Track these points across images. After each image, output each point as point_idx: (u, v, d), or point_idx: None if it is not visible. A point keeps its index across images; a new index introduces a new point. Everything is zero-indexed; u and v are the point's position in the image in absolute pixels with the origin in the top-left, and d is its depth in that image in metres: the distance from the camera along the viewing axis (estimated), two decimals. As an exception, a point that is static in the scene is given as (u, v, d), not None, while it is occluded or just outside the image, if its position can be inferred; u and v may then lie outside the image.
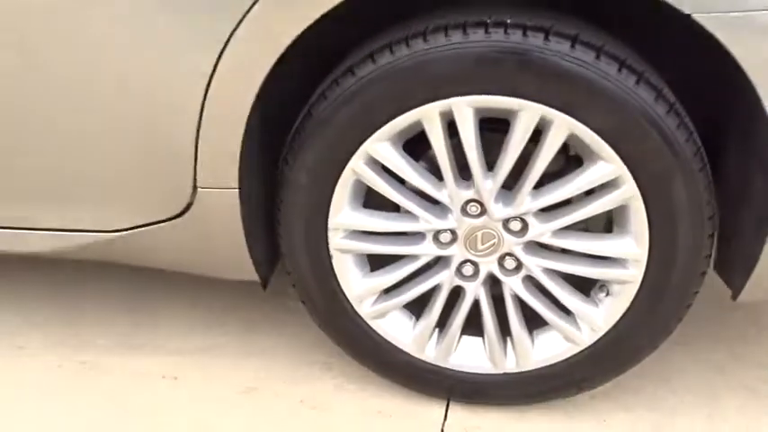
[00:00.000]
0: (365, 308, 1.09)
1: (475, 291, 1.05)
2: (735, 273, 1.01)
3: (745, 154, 0.96)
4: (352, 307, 1.09)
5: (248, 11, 0.86)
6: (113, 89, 0.96)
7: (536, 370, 1.08)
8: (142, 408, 1.17)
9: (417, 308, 1.10)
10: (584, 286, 1.05)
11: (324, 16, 0.86)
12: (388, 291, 1.09)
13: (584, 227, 1.04)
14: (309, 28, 0.87)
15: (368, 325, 1.10)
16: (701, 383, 1.20)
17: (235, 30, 0.88)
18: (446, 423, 1.13)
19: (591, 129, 0.88)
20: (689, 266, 0.96)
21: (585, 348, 1.05)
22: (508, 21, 0.86)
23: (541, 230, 0.98)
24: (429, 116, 0.91)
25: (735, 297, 1.01)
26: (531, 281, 1.03)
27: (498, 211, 0.97)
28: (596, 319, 1.02)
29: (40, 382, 1.23)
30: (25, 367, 1.27)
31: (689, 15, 0.79)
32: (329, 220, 1.02)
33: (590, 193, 0.97)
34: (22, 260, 1.34)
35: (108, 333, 1.36)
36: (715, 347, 1.29)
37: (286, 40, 0.88)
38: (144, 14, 0.90)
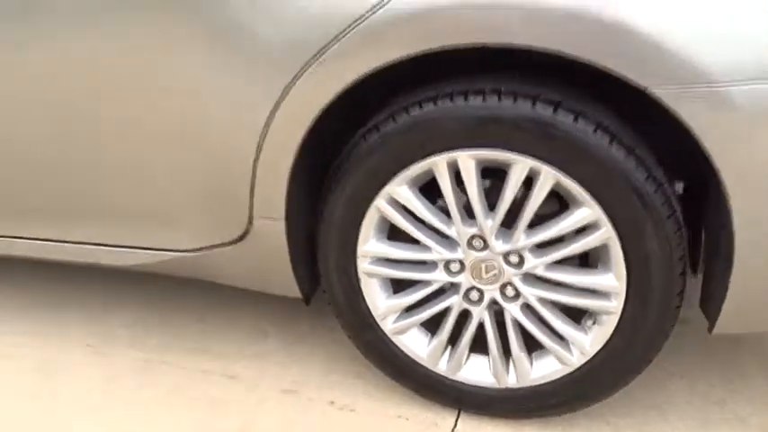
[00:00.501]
0: (388, 324, 1.28)
1: (480, 314, 1.22)
2: (710, 308, 1.14)
3: (711, 207, 1.09)
4: (377, 323, 1.28)
5: (294, 79, 1.09)
6: (190, 134, 1.21)
7: (533, 387, 1.24)
8: (201, 400, 1.40)
9: (433, 326, 1.28)
10: (576, 314, 1.20)
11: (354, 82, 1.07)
12: (408, 310, 1.28)
13: (578, 262, 1.19)
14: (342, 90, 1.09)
15: (390, 339, 1.29)
16: (697, 414, 1.31)
17: (282, 97, 1.10)
18: (455, 429, 1.29)
19: (572, 179, 1.05)
20: (663, 302, 1.10)
21: (576, 370, 1.20)
22: (501, 89, 1.04)
23: (535, 264, 1.15)
24: (438, 166, 1.11)
25: (710, 330, 1.14)
26: (528, 307, 1.20)
27: (498, 246, 1.15)
28: (585, 345, 1.17)
29: (113, 376, 1.49)
30: (101, 364, 1.54)
31: (646, 89, 0.95)
32: (358, 248, 1.22)
33: (581, 232, 1.13)
34: (121, 273, 1.60)
35: (181, 337, 1.61)
36: (714, 381, 1.39)
37: (324, 101, 1.10)
38: (214, 70, 1.14)
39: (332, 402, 1.37)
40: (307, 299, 1.37)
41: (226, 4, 1.10)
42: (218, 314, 1.69)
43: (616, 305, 1.12)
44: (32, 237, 1.51)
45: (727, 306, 1.08)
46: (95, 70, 1.21)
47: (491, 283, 1.19)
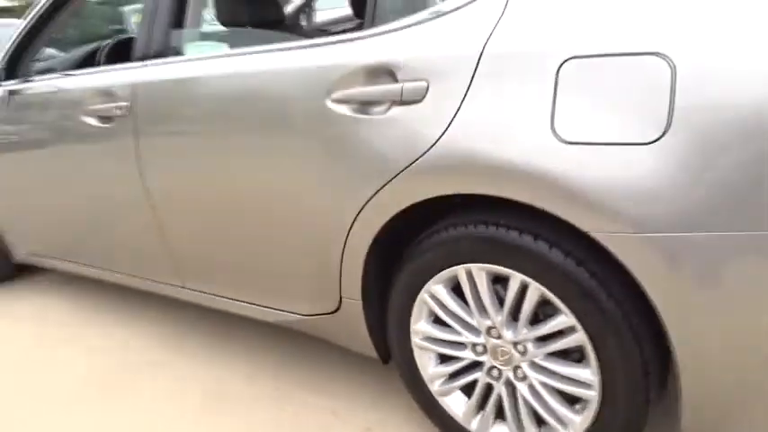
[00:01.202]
0: (435, 387, 1.67)
1: (499, 388, 1.56)
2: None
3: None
4: (426, 385, 1.68)
5: (383, 186, 1.53)
6: (305, 229, 1.73)
7: None
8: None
9: (470, 392, 1.64)
10: (573, 399, 1.48)
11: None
12: (451, 378, 1.65)
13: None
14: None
15: (436, 399, 1.68)
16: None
17: (368, 201, 1.56)
18: (483, 479, 1.62)
19: (551, 292, 1.36)
20: (631, 397, 1.35)
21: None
22: (500, 221, 1.41)
23: (536, 353, 1.46)
24: (459, 273, 1.49)
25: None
26: (534, 388, 1.51)
27: (508, 335, 1.49)
28: (576, 424, 1.45)
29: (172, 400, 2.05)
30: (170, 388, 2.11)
31: (587, 233, 1.26)
32: (411, 327, 1.64)
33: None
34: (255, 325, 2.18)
35: (257, 376, 2.14)
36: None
37: (393, 211, 1.53)
38: (324, 182, 1.64)
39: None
40: (384, 359, 1.81)
41: (341, 141, 1.59)
42: (302, 361, 2.20)
43: (594, 395, 1.39)
44: (214, 293, 2.16)
45: (684, 412, 1.30)
46: (251, 181, 1.80)
47: (506, 365, 1.53)
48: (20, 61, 2.64)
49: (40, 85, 2.47)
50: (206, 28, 2.01)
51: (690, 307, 1.20)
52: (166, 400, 2.09)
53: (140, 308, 2.76)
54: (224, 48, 1.99)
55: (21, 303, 2.99)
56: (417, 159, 1.43)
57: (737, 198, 1.11)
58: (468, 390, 1.65)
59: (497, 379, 1.56)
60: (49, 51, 3.29)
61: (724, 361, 1.21)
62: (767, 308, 1.13)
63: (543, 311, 1.44)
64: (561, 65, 1.25)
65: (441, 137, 1.39)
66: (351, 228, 1.61)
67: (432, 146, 1.41)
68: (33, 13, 2.57)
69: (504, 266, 1.41)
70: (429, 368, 1.67)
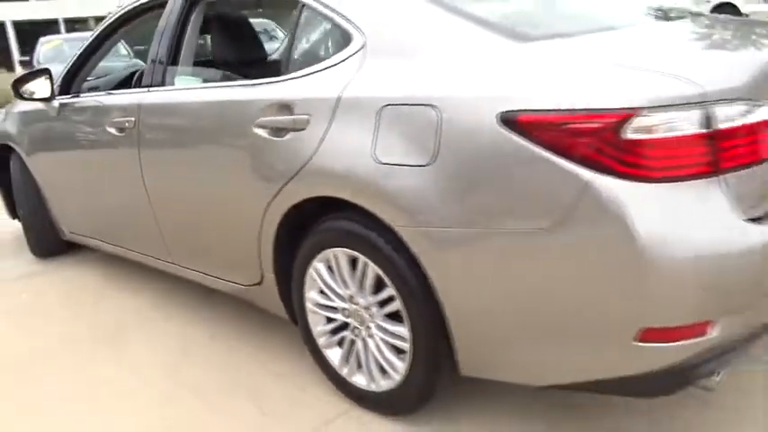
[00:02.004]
0: (320, 342, 2.23)
1: (358, 343, 2.10)
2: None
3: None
4: (316, 341, 2.24)
5: (281, 188, 2.12)
6: (237, 217, 2.34)
7: (386, 391, 2.04)
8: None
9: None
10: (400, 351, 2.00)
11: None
12: (331, 334, 2.21)
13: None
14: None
15: (322, 351, 2.23)
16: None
17: (273, 198, 2.14)
18: (360, 417, 2.16)
19: (379, 269, 1.91)
20: (431, 348, 1.86)
21: (401, 384, 1.99)
22: (351, 217, 1.96)
23: (377, 315, 2.00)
24: (329, 255, 2.06)
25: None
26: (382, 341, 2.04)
27: (361, 302, 2.04)
28: (400, 368, 1.97)
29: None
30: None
31: (390, 225, 1.80)
32: (305, 295, 2.21)
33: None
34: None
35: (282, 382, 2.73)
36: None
37: (287, 206, 2.12)
38: (248, 183, 2.24)
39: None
40: (294, 322, 2.38)
41: (259, 155, 2.18)
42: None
43: (409, 346, 1.92)
44: (189, 267, 2.80)
45: (458, 353, 1.81)
46: (204, 183, 2.43)
47: (361, 325, 2.07)
48: (73, 80, 3.39)
49: (84, 100, 3.20)
50: (187, 65, 2.65)
51: (449, 276, 1.73)
52: (148, 351, 2.74)
53: (143, 279, 3.44)
54: (196, 81, 2.64)
55: (63, 271, 3.74)
56: (299, 171, 2.02)
57: (470, 204, 1.63)
58: (341, 344, 2.20)
59: (357, 336, 2.11)
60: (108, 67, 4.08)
61: (474, 313, 1.72)
62: (499, 274, 1.63)
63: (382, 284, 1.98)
64: (381, 109, 1.81)
65: (312, 156, 1.98)
66: (263, 218, 2.21)
67: (307, 162, 1.99)
68: (86, 42, 3.32)
69: (354, 250, 1.97)
70: (317, 327, 2.23)
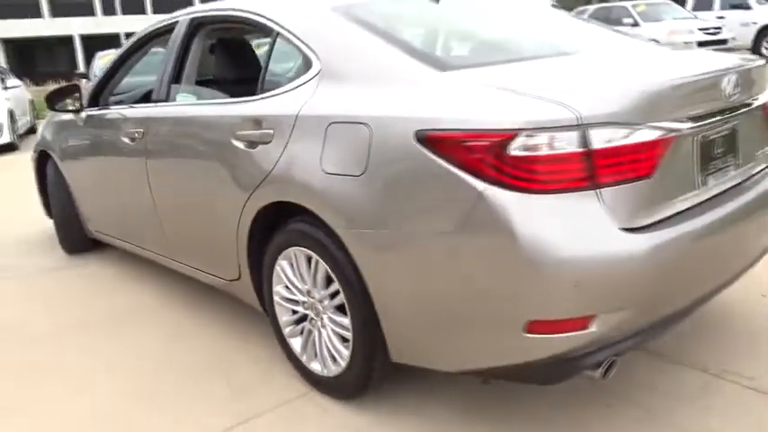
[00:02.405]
0: (286, 331, 2.50)
1: (314, 333, 2.37)
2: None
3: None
4: (282, 330, 2.52)
5: (252, 193, 2.42)
6: (217, 219, 2.65)
7: (335, 376, 2.30)
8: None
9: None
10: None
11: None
12: (294, 324, 2.48)
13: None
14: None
15: (287, 340, 2.51)
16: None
17: (245, 202, 2.44)
18: (317, 399, 2.42)
19: (327, 265, 2.17)
20: (369, 338, 2.11)
21: (346, 369, 2.24)
22: (306, 220, 2.24)
23: (328, 307, 2.27)
24: (289, 253, 2.34)
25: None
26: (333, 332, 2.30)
27: (316, 295, 2.31)
28: (345, 355, 2.23)
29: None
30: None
31: (332, 227, 2.06)
32: (273, 289, 2.49)
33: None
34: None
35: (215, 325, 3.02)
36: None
37: (256, 209, 2.41)
38: (227, 189, 2.55)
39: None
40: (266, 312, 2.66)
41: (237, 164, 2.49)
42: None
43: (351, 335, 2.17)
44: (185, 263, 3.12)
45: (389, 344, 2.06)
46: (194, 187, 2.75)
47: (316, 316, 2.34)
48: (100, 94, 3.79)
49: (107, 112, 3.59)
50: (187, 83, 2.99)
51: (377, 273, 1.98)
52: (145, 334, 3.07)
53: (151, 274, 3.80)
54: (193, 98, 2.97)
55: (87, 266, 4.14)
56: (265, 178, 2.32)
57: (391, 209, 1.89)
58: (302, 333, 2.46)
59: (314, 326, 2.38)
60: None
61: (398, 305, 1.97)
62: (414, 271, 1.88)
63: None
64: (327, 126, 2.09)
65: (274, 165, 2.27)
66: (239, 219, 2.51)
67: (270, 171, 2.29)
68: (112, 61, 3.71)
69: (309, 249, 2.25)
70: (283, 318, 2.51)
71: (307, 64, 2.31)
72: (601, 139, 1.69)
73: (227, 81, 3.10)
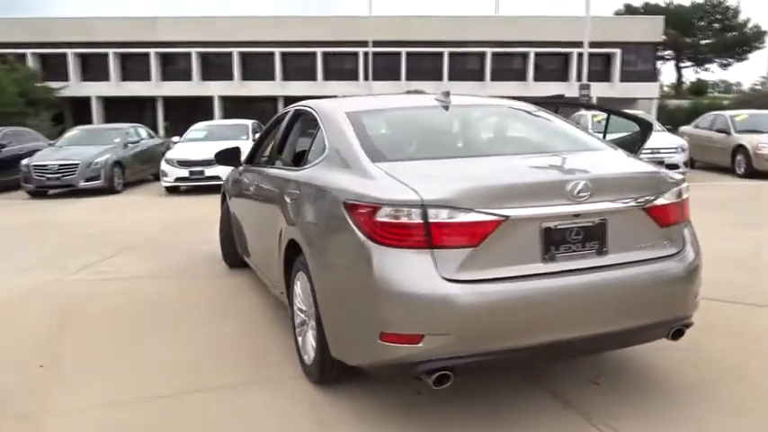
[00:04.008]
0: (297, 330, 3.56)
1: (307, 331, 3.39)
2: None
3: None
4: (295, 329, 3.58)
5: (283, 232, 3.57)
6: (273, 242, 3.82)
7: (308, 366, 3.28)
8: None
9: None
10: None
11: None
12: (300, 325, 3.52)
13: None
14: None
15: (296, 337, 3.56)
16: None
17: (281, 235, 3.58)
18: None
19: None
20: (319, 332, 3.08)
21: (313, 358, 3.21)
22: (305, 253, 3.30)
23: (311, 315, 3.28)
24: (299, 275, 3.42)
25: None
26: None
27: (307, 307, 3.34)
28: (314, 349, 3.21)
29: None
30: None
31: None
32: (293, 300, 3.58)
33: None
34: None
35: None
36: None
37: (287, 239, 3.55)
38: (277, 220, 3.72)
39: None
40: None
41: (285, 209, 3.67)
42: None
43: (316, 335, 3.15)
44: (260, 273, 4.35)
45: (328, 338, 3.00)
46: (267, 225, 3.98)
47: (309, 321, 3.36)
48: (255, 155, 5.27)
49: (254, 168, 5.03)
50: (280, 154, 4.26)
51: (319, 291, 2.97)
52: (226, 322, 4.35)
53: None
54: (280, 164, 4.20)
55: (232, 277, 5.61)
56: (289, 222, 3.44)
57: (328, 247, 2.88)
58: (302, 333, 3.48)
59: (306, 328, 3.39)
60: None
61: (328, 314, 2.92)
62: (335, 291, 2.84)
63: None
64: (315, 192, 3.16)
65: (295, 215, 3.39)
66: (279, 250, 3.66)
67: (293, 218, 3.41)
68: (262, 131, 5.19)
69: (304, 272, 3.29)
70: (296, 321, 3.56)
71: (323, 149, 3.40)
72: (436, 215, 2.52)
73: (299, 154, 4.32)
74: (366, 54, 35.70)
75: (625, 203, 2.77)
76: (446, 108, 3.58)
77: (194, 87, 37.98)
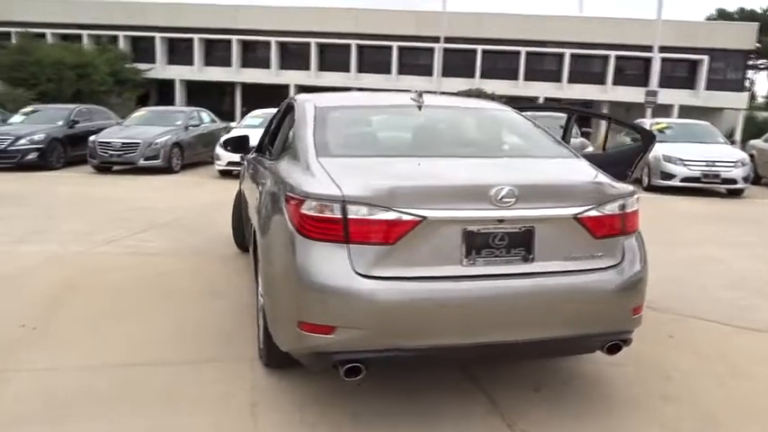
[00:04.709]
0: (260, 315, 3.71)
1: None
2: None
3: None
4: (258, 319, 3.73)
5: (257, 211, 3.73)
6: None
7: (263, 347, 3.42)
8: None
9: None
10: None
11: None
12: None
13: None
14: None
15: (259, 325, 3.71)
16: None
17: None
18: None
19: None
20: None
21: (261, 344, 3.35)
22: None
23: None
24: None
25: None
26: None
27: (265, 292, 3.48)
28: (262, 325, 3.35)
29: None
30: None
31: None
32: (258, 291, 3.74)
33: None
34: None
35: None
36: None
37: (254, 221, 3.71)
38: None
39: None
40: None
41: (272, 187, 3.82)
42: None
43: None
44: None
45: (270, 325, 3.13)
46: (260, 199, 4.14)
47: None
48: (261, 144, 5.46)
49: (257, 156, 5.21)
50: (270, 145, 4.39)
51: (261, 263, 3.10)
52: (227, 299, 4.56)
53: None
54: (268, 154, 4.35)
55: (242, 258, 5.83)
56: (259, 202, 3.58)
57: (270, 235, 3.01)
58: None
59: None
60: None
61: (267, 302, 3.05)
62: (269, 279, 2.96)
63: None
64: (275, 180, 3.29)
65: (261, 196, 3.53)
66: (252, 233, 3.81)
67: (260, 199, 3.55)
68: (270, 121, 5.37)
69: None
70: (260, 303, 3.71)
71: (293, 141, 3.51)
72: (355, 212, 2.59)
73: (279, 145, 4.44)
74: (441, 50, 35.67)
75: (555, 212, 2.75)
76: (419, 108, 3.63)
77: (272, 75, 38.97)
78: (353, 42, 38.20)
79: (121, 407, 3.03)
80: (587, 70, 37.66)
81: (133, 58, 36.59)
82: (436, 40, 33.74)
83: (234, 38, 38.98)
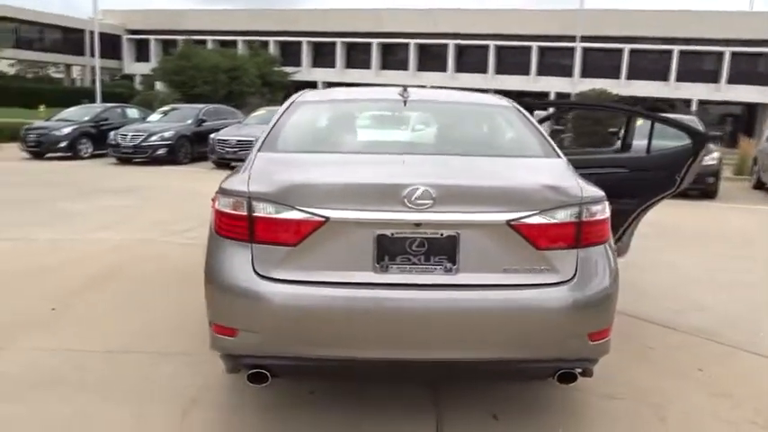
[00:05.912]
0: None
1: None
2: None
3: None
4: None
5: None
6: None
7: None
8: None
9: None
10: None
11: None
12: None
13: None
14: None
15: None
16: None
17: None
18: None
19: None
20: None
21: None
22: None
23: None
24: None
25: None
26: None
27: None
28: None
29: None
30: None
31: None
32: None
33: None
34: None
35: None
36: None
37: None
38: None
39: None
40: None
41: None
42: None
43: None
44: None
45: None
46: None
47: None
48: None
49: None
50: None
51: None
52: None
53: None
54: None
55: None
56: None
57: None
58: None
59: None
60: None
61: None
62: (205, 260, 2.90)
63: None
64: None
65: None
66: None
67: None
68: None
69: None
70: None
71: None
72: (261, 209, 2.45)
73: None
74: (580, 49, 34.09)
75: (483, 217, 2.43)
76: (404, 103, 3.39)
77: (409, 77, 39.40)
78: (491, 43, 37.63)
79: (53, 392, 3.09)
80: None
81: (281, 62, 38.65)
82: (573, 39, 32.22)
83: (374, 41, 39.91)
